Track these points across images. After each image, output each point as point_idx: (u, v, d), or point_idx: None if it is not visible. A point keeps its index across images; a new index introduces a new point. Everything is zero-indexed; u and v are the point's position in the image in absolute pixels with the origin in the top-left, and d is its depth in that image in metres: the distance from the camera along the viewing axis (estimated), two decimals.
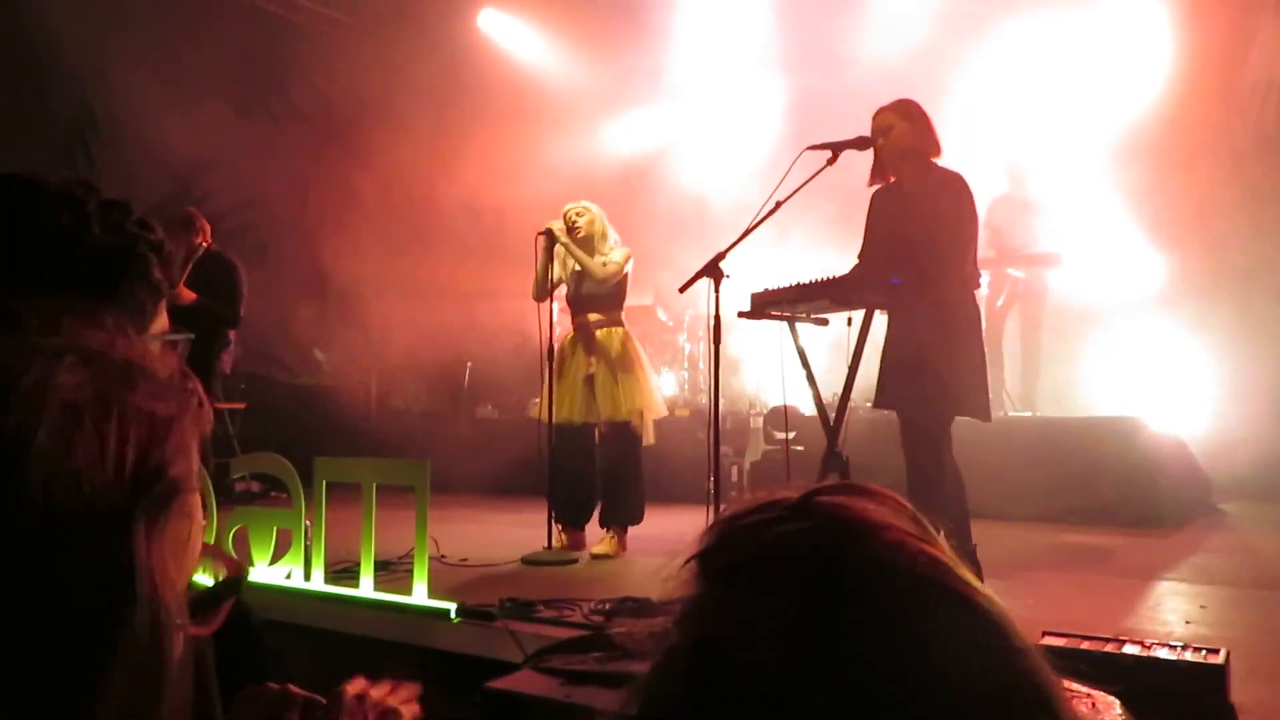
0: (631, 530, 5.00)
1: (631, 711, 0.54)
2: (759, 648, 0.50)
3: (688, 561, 0.56)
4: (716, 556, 0.55)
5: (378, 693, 1.13)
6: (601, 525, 5.03)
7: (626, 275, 5.16)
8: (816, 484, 0.58)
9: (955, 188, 3.90)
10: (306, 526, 3.89)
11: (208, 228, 6.13)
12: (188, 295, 5.75)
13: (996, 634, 0.53)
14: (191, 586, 0.57)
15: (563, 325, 5.46)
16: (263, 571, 3.92)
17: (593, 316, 5.13)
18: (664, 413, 5.28)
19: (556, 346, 5.17)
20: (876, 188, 4.17)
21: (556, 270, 5.15)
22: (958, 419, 3.98)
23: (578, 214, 5.09)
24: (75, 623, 0.45)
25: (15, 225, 0.89)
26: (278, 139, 9.45)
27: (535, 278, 5.13)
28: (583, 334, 5.13)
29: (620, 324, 5.17)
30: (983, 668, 0.51)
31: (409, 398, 10.02)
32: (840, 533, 0.54)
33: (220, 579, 0.65)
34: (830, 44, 8.48)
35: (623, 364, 5.03)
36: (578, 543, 5.00)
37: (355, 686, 1.12)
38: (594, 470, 5.13)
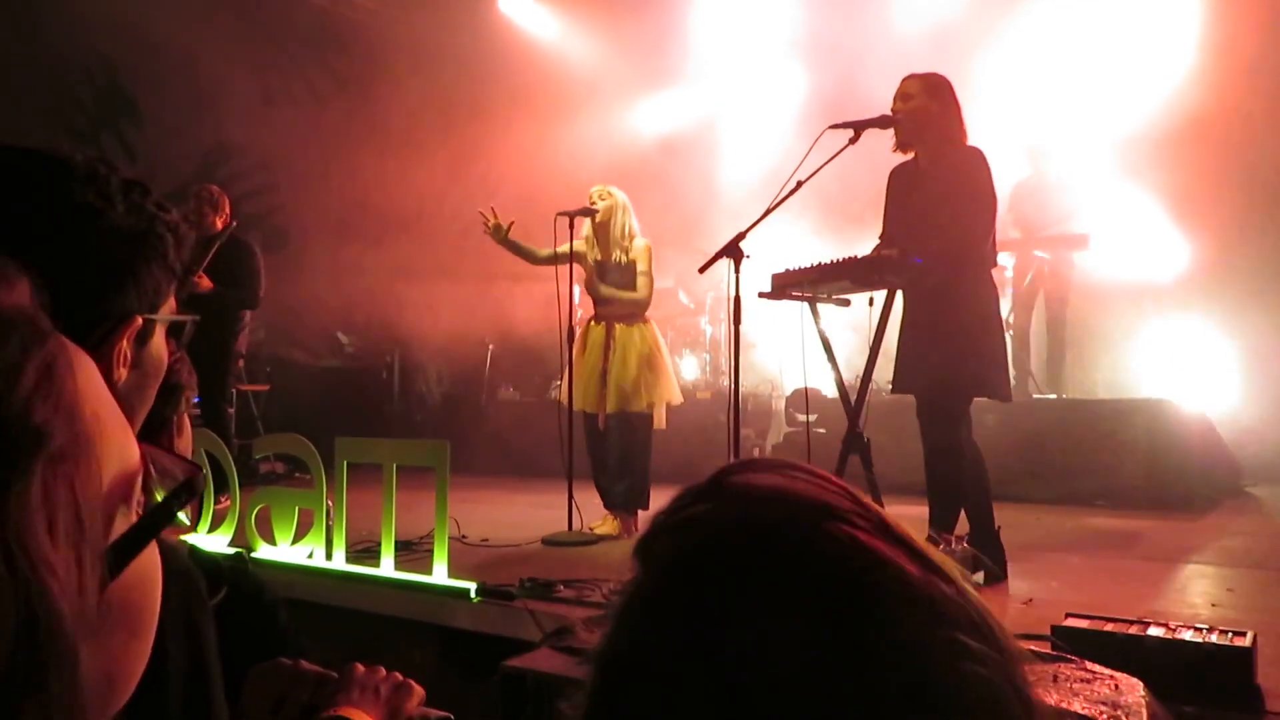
0: (643, 514, 4.99)
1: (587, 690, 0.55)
2: (666, 630, 0.52)
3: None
4: (643, 543, 0.57)
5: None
6: (606, 508, 5.07)
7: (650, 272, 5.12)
8: (731, 464, 0.60)
9: (974, 166, 3.78)
10: (328, 506, 3.91)
11: (228, 208, 6.15)
12: (206, 284, 5.79)
13: (932, 623, 0.49)
14: (198, 554, 0.53)
15: (585, 307, 5.41)
16: (285, 551, 3.95)
17: (614, 310, 5.10)
18: (679, 400, 5.26)
19: (578, 330, 5.15)
20: (893, 167, 4.09)
21: (581, 248, 5.13)
22: (979, 400, 3.93)
23: (600, 196, 5.08)
24: None
25: (42, 200, 0.88)
26: (300, 123, 9.46)
27: (543, 256, 5.13)
28: (604, 327, 5.10)
29: (641, 317, 5.13)
30: (912, 665, 0.48)
31: (431, 380, 10.05)
32: (739, 512, 0.55)
33: (225, 555, 0.61)
34: (855, 22, 8.39)
35: (641, 359, 5.01)
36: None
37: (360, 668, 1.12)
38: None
